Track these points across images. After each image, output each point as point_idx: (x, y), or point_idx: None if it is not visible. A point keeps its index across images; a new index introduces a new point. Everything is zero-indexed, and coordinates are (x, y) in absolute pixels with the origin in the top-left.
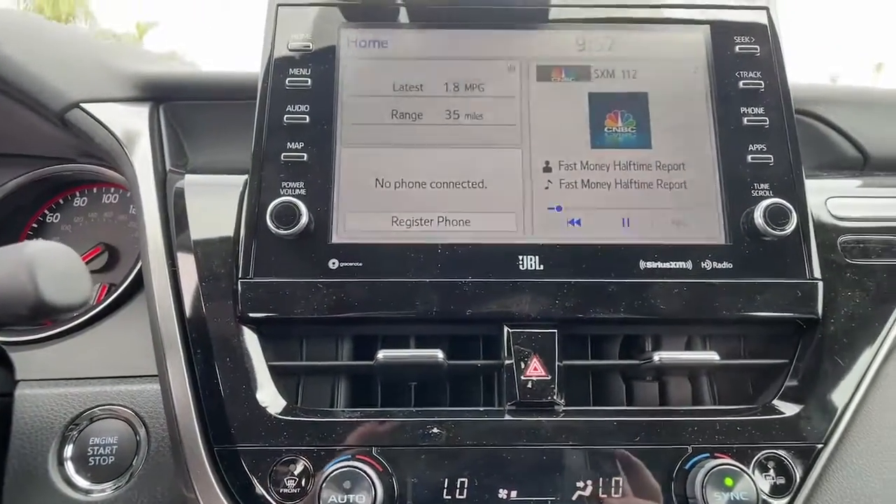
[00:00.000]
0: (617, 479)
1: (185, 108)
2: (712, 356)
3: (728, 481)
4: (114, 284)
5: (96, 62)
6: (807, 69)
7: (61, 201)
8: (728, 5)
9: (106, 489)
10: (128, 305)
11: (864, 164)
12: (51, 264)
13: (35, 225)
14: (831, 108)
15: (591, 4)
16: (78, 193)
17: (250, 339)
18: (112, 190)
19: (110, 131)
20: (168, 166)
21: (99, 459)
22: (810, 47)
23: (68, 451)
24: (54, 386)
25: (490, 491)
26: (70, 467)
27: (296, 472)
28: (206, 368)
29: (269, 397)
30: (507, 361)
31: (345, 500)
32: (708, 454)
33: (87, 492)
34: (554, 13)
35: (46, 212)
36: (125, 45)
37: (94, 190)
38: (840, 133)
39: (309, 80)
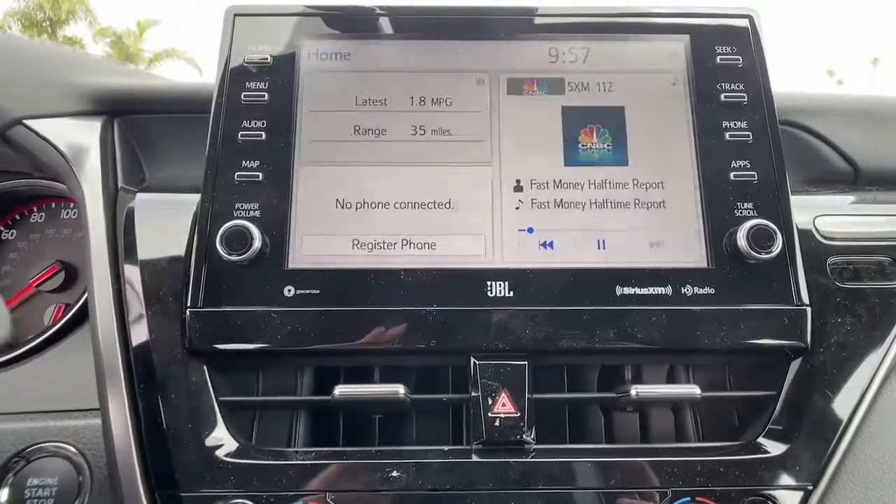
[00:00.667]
0: None
1: (143, 121)
2: (693, 390)
3: None
4: (70, 305)
5: (44, 76)
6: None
7: (18, 217)
8: (709, 13)
9: None
10: (81, 329)
11: (855, 178)
12: None
13: None
14: (820, 119)
15: (564, 13)
16: (35, 209)
17: (199, 373)
18: (71, 205)
19: (56, 147)
20: (120, 184)
21: (37, 502)
22: (806, 42)
23: (3, 494)
24: None
25: None
26: None
27: None
28: (150, 404)
29: (218, 437)
30: (474, 395)
31: None
32: (689, 497)
33: None
34: (525, 23)
35: (2, 228)
36: (82, 56)
37: (52, 205)
38: (829, 145)
39: (266, 94)
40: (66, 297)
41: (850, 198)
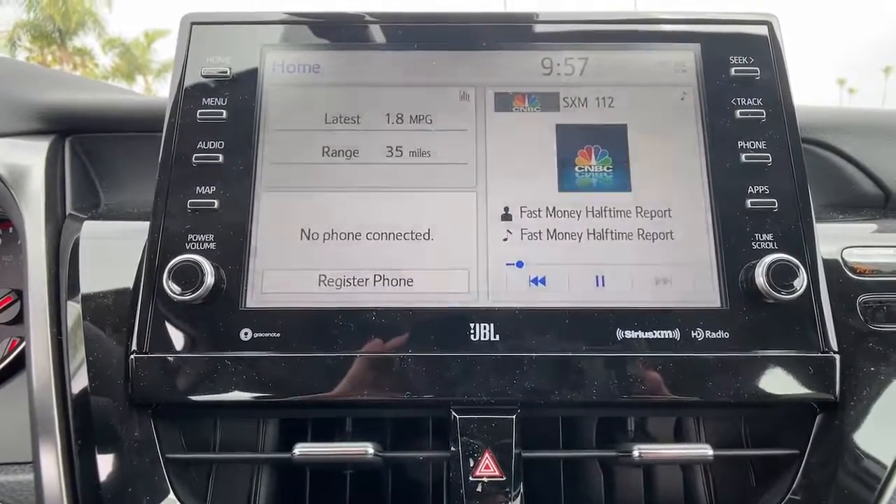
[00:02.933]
0: None
1: (98, 140)
2: (705, 451)
3: None
4: (21, 337)
5: None
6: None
7: None
8: (723, 20)
9: None
10: (17, 378)
11: (885, 203)
12: None
13: None
14: (845, 137)
15: (559, 20)
16: None
17: (144, 427)
18: None
19: None
20: (69, 209)
21: None
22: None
23: None
24: None
25: None
26: None
27: None
28: (87, 461)
29: (162, 501)
30: (454, 453)
31: None
32: None
33: None
34: (516, 31)
35: None
36: (34, 69)
37: (10, 230)
38: (856, 166)
39: (224, 111)
40: (21, 329)
41: (882, 225)
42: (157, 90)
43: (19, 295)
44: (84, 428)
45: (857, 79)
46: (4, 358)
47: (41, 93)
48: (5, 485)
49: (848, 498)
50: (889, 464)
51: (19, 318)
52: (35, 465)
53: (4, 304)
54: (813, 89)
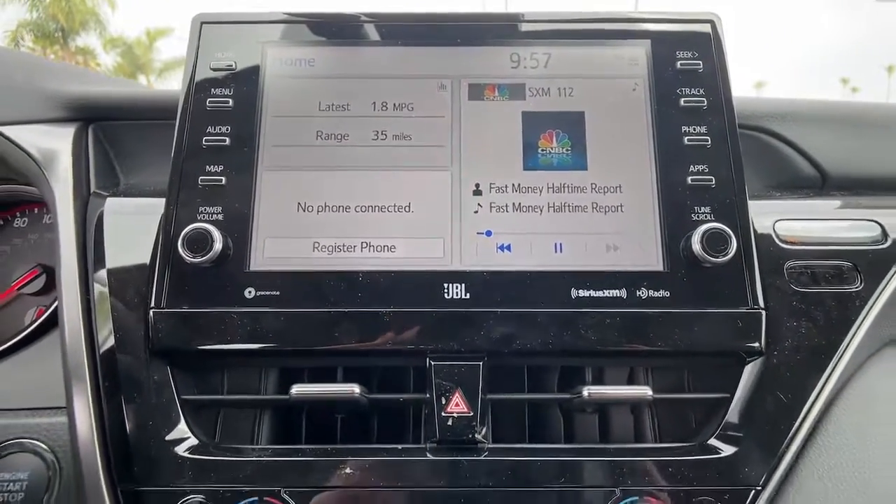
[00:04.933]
0: None
1: (117, 127)
2: (645, 391)
3: None
4: (47, 306)
5: (18, 83)
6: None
7: (1, 221)
8: (671, 18)
9: None
10: (54, 332)
11: (823, 184)
12: None
13: None
14: (787, 124)
15: (525, 19)
16: (18, 214)
17: (161, 373)
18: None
19: (27, 153)
20: (93, 188)
21: (8, 496)
22: (819, 51)
23: None
24: None
25: None
26: None
27: None
28: (114, 403)
29: (178, 434)
30: (430, 396)
31: None
32: (636, 497)
33: None
34: (487, 29)
35: None
36: (58, 64)
37: (35, 210)
38: (797, 150)
39: (231, 100)
40: (47, 299)
41: (814, 203)
42: (134, 81)
43: (44, 269)
44: (110, 375)
45: (861, 78)
46: (33, 322)
47: (67, 85)
48: (42, 426)
49: (768, 433)
50: (805, 405)
51: (44, 290)
52: (69, 408)
53: (32, 277)
54: (817, 88)
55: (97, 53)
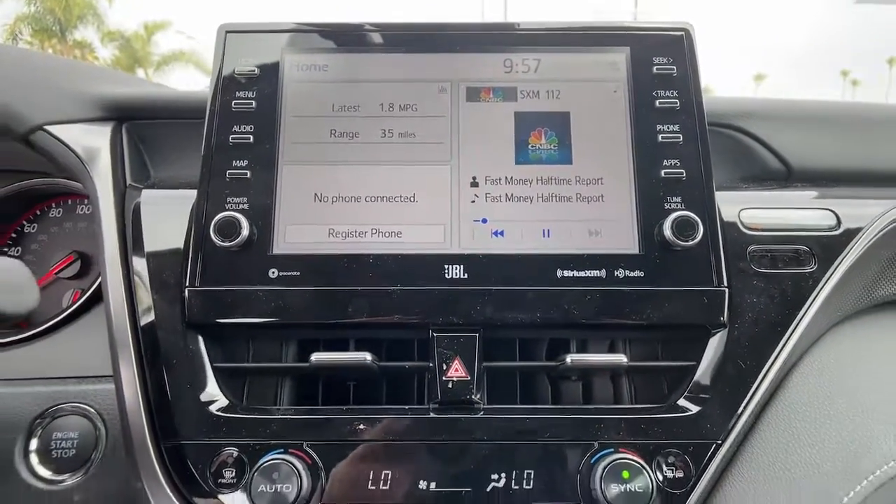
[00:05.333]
0: (528, 471)
1: (148, 126)
2: (620, 358)
3: (625, 474)
4: (85, 290)
5: (59, 86)
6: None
7: (38, 212)
8: (648, 27)
9: (66, 480)
10: (94, 310)
11: (788, 176)
12: (2, 278)
13: (14, 234)
14: (756, 122)
15: (518, 29)
16: (54, 205)
17: (196, 343)
18: (85, 202)
19: (72, 150)
20: (128, 181)
21: (61, 452)
22: (820, 43)
23: (33, 444)
24: (22, 385)
25: (411, 482)
26: (34, 459)
27: (233, 465)
28: (156, 370)
29: (212, 396)
30: (432, 363)
31: (272, 490)
32: (612, 449)
33: (50, 482)
34: (484, 37)
35: (25, 222)
36: (93, 67)
37: (69, 201)
38: (765, 146)
39: (254, 101)
40: (82, 283)
41: (777, 193)
42: (157, 83)
43: (79, 255)
44: (151, 346)
45: (861, 70)
46: (73, 304)
47: (103, 87)
48: (88, 392)
49: (728, 394)
50: (761, 370)
51: (79, 275)
52: (115, 376)
53: (68, 262)
54: (817, 81)
55: (95, 47)
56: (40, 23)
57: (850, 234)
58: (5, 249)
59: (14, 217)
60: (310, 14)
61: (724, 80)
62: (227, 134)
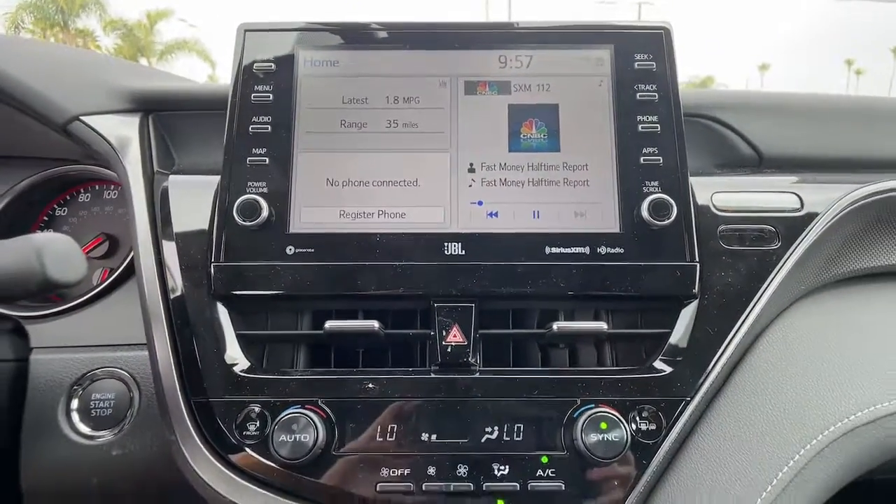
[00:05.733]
0: (518, 425)
1: (172, 117)
2: (601, 325)
3: (603, 425)
4: (113, 269)
5: (93, 79)
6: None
7: (68, 197)
8: (631, 26)
9: (105, 435)
10: (123, 286)
11: (759, 163)
12: (54, 250)
13: (46, 218)
14: (731, 113)
15: (512, 28)
16: (82, 190)
17: (221, 313)
18: (112, 187)
19: (106, 139)
20: (156, 168)
21: (99, 411)
22: (824, 32)
23: (74, 404)
24: (62, 352)
25: (415, 434)
26: (75, 417)
27: (256, 419)
28: (185, 336)
29: (236, 360)
30: (433, 331)
31: (292, 440)
32: (593, 405)
33: (90, 437)
34: (480, 36)
35: (55, 206)
36: (121, 62)
37: (96, 187)
38: (738, 135)
39: (271, 94)
40: (110, 262)
41: (747, 178)
42: (180, 76)
43: (107, 236)
44: (181, 315)
45: (865, 58)
46: (102, 282)
47: (131, 80)
48: (122, 358)
49: (698, 358)
50: (727, 335)
51: (107, 255)
52: (149, 344)
53: (97, 243)
54: (822, 70)
55: (97, 36)
56: (42, 11)
57: (812, 216)
58: (39, 232)
59: (45, 202)
60: (318, 9)
61: (728, 70)
62: (247, 124)
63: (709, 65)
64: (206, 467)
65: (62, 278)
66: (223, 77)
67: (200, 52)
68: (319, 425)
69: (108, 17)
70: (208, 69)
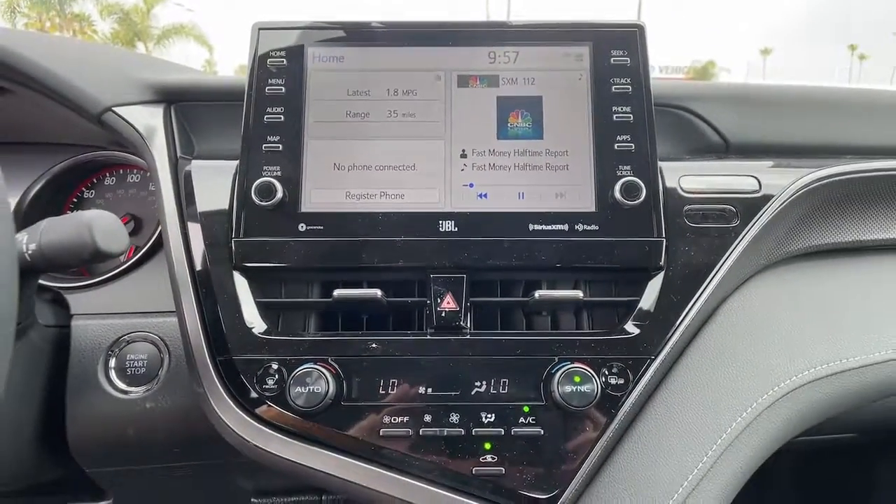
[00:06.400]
0: (504, 379)
1: (191, 107)
2: (578, 293)
3: (577, 378)
4: (139, 246)
5: (123, 73)
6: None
7: (95, 181)
8: (608, 24)
9: (139, 391)
10: (150, 261)
11: (726, 149)
12: (102, 225)
13: (75, 199)
14: (700, 103)
15: (500, 27)
16: (108, 174)
17: (242, 283)
18: (135, 171)
19: (135, 128)
20: (179, 154)
21: (134, 370)
22: (827, 18)
23: (112, 363)
24: (99, 318)
25: (413, 388)
26: (113, 375)
27: (274, 374)
28: (210, 304)
29: (256, 323)
30: (429, 300)
31: (306, 391)
32: (569, 362)
33: (126, 392)
34: (471, 34)
35: (84, 189)
36: (144, 57)
37: (121, 171)
38: (707, 123)
39: (283, 87)
40: (136, 240)
41: (712, 163)
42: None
43: (132, 216)
44: (206, 285)
45: (869, 44)
46: (130, 259)
47: (155, 74)
48: (153, 324)
49: (662, 322)
50: (689, 302)
51: (133, 233)
52: (178, 310)
53: (124, 223)
54: (825, 56)
55: (93, 20)
56: None
57: (768, 197)
58: (69, 212)
59: (74, 185)
60: (325, 6)
61: (730, 55)
62: (262, 114)
63: (710, 49)
64: (231, 416)
65: (110, 249)
66: (220, 61)
67: (198, 36)
68: (330, 379)
69: (104, 1)
70: (206, 53)
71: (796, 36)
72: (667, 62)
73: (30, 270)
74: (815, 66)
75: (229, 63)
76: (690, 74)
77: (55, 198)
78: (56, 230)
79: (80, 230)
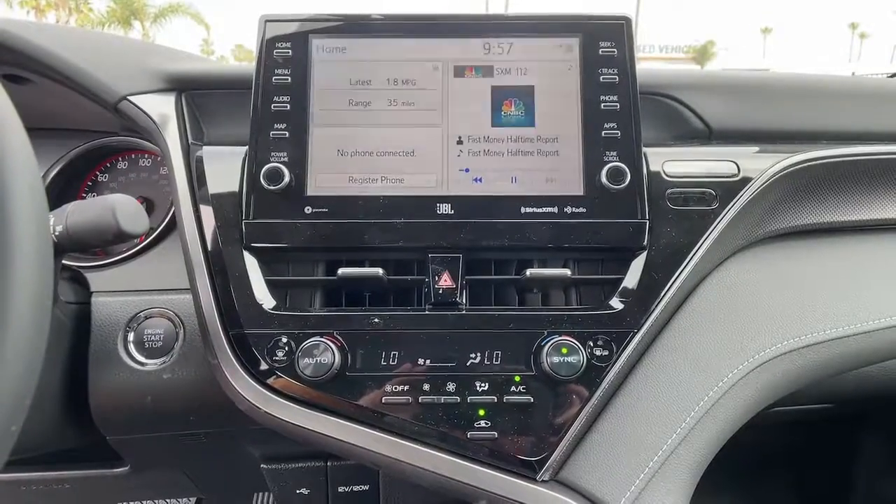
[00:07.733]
0: (497, 351)
1: (202, 95)
2: (566, 272)
3: (564, 350)
4: (153, 227)
5: (136, 63)
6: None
7: (108, 165)
8: (597, 17)
9: (157, 363)
10: (164, 242)
11: (709, 136)
12: (124, 207)
13: (90, 183)
14: (685, 91)
15: (495, 19)
16: (121, 159)
17: (252, 262)
18: (146, 156)
19: (149, 116)
20: (190, 140)
21: (151, 343)
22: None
23: (130, 337)
24: (118, 295)
25: (412, 360)
26: (132, 348)
27: (283, 347)
28: (222, 281)
29: (266, 299)
30: (427, 278)
31: (314, 361)
32: (557, 335)
33: (144, 364)
34: (467, 26)
35: (98, 173)
36: (156, 46)
37: (133, 156)
38: (691, 111)
39: (289, 77)
40: (149, 222)
41: (694, 149)
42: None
43: (145, 199)
44: (218, 263)
45: (869, 22)
46: (144, 239)
47: (166, 63)
48: (169, 300)
49: (645, 297)
50: (669, 280)
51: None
52: (192, 287)
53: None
54: (825, 34)
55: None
56: None
57: (746, 181)
58: (84, 195)
59: (88, 169)
60: (333, 6)
61: (731, 34)
62: (269, 103)
63: (710, 28)
64: (243, 385)
65: (132, 230)
66: (217, 41)
67: (194, 15)
68: (336, 351)
69: None
70: (203, 32)
71: (797, 14)
72: (667, 42)
73: (57, 251)
74: (816, 45)
75: (226, 44)
76: (690, 54)
77: (71, 181)
78: (82, 213)
79: (104, 213)
